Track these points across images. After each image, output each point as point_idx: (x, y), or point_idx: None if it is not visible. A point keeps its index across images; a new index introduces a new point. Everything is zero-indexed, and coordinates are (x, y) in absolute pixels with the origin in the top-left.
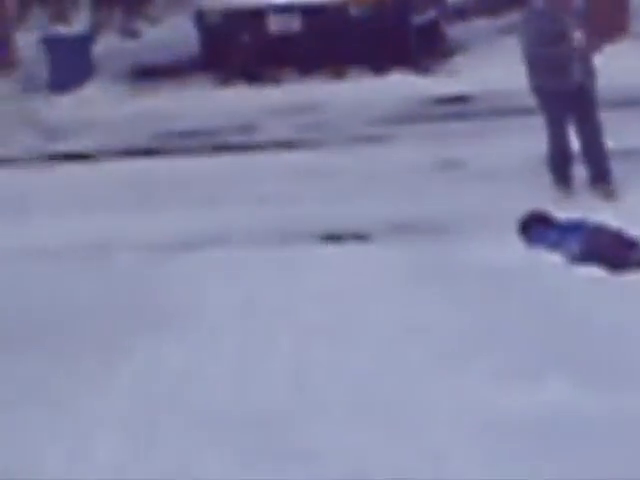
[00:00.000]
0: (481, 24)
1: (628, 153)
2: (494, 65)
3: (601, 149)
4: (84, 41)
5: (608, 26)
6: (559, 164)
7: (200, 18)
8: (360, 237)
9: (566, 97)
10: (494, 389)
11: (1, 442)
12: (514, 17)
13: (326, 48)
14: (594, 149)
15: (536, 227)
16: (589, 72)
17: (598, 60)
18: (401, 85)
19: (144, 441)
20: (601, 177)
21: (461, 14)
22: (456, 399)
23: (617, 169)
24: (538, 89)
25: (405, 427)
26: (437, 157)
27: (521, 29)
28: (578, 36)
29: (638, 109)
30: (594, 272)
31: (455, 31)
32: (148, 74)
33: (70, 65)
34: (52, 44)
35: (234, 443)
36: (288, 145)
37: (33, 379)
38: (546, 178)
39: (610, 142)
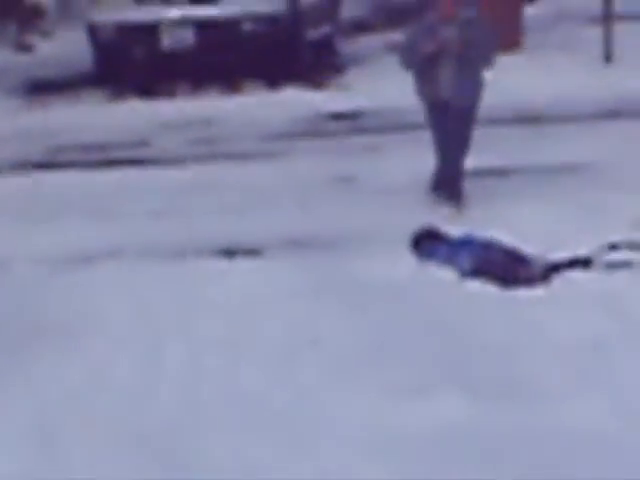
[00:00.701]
0: (374, 40)
1: (516, 170)
2: (386, 81)
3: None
4: None
5: (502, 40)
6: (448, 179)
7: (93, 32)
8: (253, 252)
9: (448, 109)
10: (388, 404)
11: None
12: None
13: (220, 63)
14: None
15: (427, 243)
16: (477, 84)
17: (490, 74)
18: (295, 100)
19: (41, 445)
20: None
21: (354, 30)
22: (350, 414)
23: (506, 185)
24: (428, 95)
25: (299, 443)
26: (330, 173)
27: (410, 40)
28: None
29: (526, 126)
30: (485, 287)
31: (348, 47)
32: (41, 88)
33: None
34: None
35: (126, 454)
36: (181, 160)
37: None
38: (436, 193)
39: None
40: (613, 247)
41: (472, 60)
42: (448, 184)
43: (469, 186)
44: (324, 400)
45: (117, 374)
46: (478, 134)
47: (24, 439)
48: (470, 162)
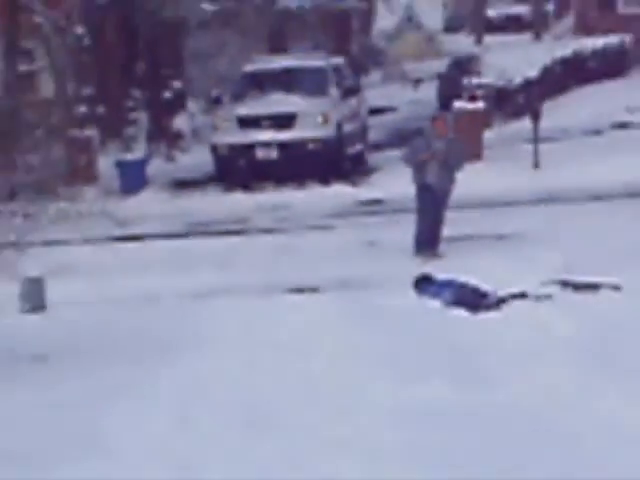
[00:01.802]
0: (389, 154)
1: (479, 237)
2: (396, 181)
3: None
4: (142, 163)
5: (468, 150)
6: (429, 240)
7: (214, 149)
8: (313, 289)
9: (430, 193)
10: (398, 386)
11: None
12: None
13: (293, 169)
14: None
15: (423, 284)
16: (451, 179)
17: (461, 174)
18: (339, 193)
19: (183, 418)
20: (430, 245)
21: (377, 147)
22: (376, 390)
23: (472, 246)
24: (419, 185)
25: (347, 406)
26: (361, 239)
27: (412, 146)
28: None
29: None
30: (460, 313)
31: (372, 158)
32: (181, 185)
33: (133, 178)
34: (122, 165)
35: (240, 429)
36: (269, 231)
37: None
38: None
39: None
40: (541, 285)
41: (450, 164)
42: (427, 246)
43: (450, 247)
44: (362, 382)
45: (231, 371)
46: (453, 214)
47: (167, 420)
48: (449, 231)
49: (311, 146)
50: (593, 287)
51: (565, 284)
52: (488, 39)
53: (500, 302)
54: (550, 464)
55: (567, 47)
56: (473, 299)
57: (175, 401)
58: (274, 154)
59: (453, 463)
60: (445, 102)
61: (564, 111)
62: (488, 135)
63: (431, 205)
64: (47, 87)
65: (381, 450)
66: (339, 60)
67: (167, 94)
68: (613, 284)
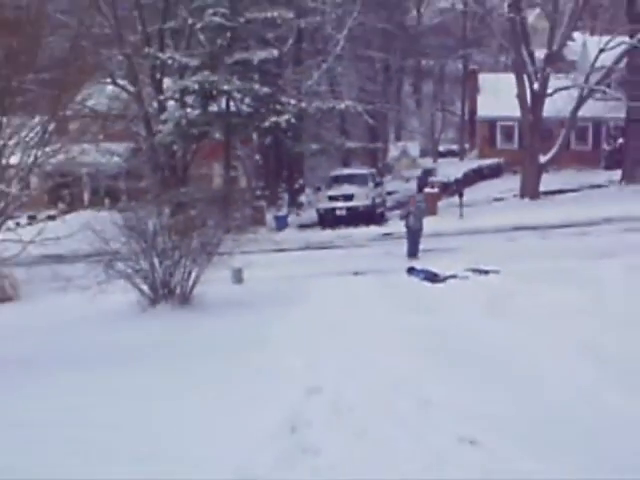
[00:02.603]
0: (395, 212)
1: (437, 249)
2: (398, 224)
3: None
4: (285, 217)
5: (430, 210)
6: (413, 251)
7: (317, 210)
8: (362, 273)
9: (412, 230)
10: (399, 316)
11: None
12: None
13: (352, 219)
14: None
15: (410, 270)
16: (421, 223)
17: (426, 221)
18: (372, 230)
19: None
20: (414, 254)
21: (389, 209)
22: (389, 318)
23: (435, 254)
24: (407, 226)
25: (375, 324)
26: (383, 250)
27: (404, 209)
28: (419, 212)
29: (438, 237)
30: (427, 284)
31: (388, 214)
32: (303, 227)
33: (282, 224)
34: (277, 218)
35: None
36: (341, 247)
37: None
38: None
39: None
40: (463, 271)
41: (420, 216)
42: (412, 254)
43: (423, 254)
44: (383, 312)
45: (325, 308)
46: (424, 239)
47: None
48: (423, 247)
49: (361, 208)
50: (485, 272)
51: (474, 271)
52: (440, 160)
53: (445, 279)
54: (462, 348)
55: (475, 163)
56: (433, 278)
57: (301, 319)
58: (344, 212)
59: (420, 346)
60: (420, 189)
61: (473, 193)
62: (440, 203)
63: (412, 236)
64: (242, 182)
65: (392, 342)
66: (373, 170)
67: (296, 185)
68: (496, 270)
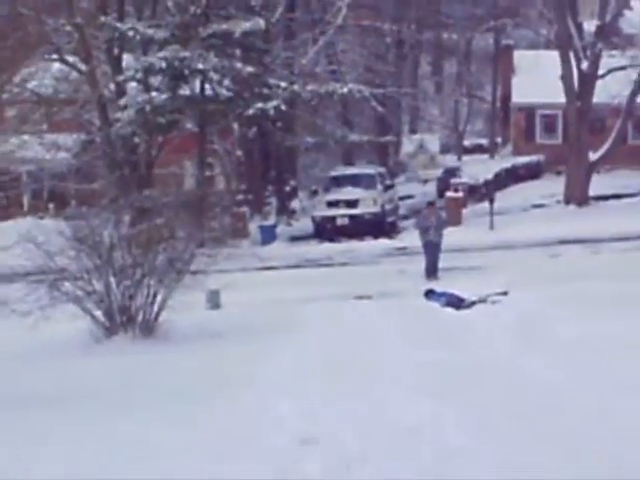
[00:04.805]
0: (409, 222)
1: (458, 268)
2: (413, 236)
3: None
4: (273, 227)
5: (453, 219)
6: (432, 270)
7: (313, 219)
8: (368, 297)
9: (430, 244)
10: (414, 351)
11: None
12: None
13: (357, 230)
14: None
15: (429, 294)
16: (441, 236)
17: (446, 232)
18: (382, 244)
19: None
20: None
21: (403, 218)
22: (401, 353)
23: (456, 274)
24: (423, 240)
25: (384, 359)
26: (395, 269)
27: (419, 218)
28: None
29: (462, 252)
30: (449, 310)
31: (401, 224)
32: (295, 239)
33: (269, 235)
34: (262, 228)
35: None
36: (344, 264)
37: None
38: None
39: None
40: (495, 294)
41: (440, 227)
42: (431, 274)
43: (444, 274)
44: (393, 347)
45: (323, 337)
46: (445, 255)
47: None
48: (443, 265)
49: (367, 217)
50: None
51: (504, 294)
52: (465, 157)
53: (471, 304)
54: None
55: (509, 162)
56: (457, 303)
57: (293, 353)
58: (346, 221)
59: (447, 392)
60: (441, 193)
61: (506, 198)
62: (465, 211)
63: (431, 251)
64: (220, 184)
65: (406, 382)
66: (382, 169)
67: (287, 188)
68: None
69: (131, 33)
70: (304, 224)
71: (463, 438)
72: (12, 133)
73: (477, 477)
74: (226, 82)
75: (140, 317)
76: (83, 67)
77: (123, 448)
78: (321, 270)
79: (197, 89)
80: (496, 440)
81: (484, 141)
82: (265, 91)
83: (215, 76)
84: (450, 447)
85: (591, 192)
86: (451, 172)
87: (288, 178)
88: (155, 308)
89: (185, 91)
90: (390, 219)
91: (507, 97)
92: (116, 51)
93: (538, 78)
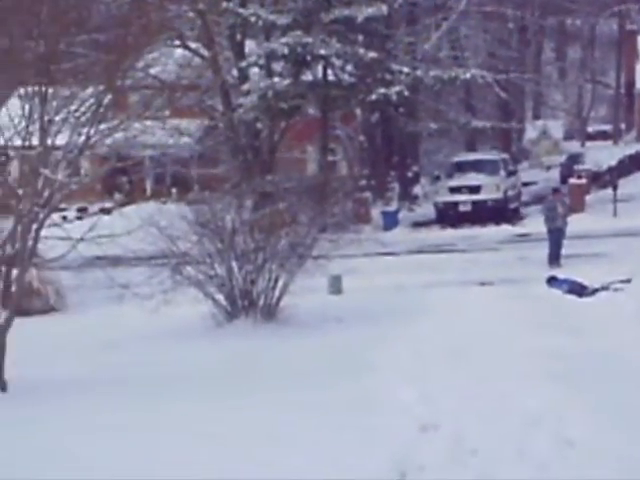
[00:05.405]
0: (533, 208)
1: (581, 255)
2: (537, 223)
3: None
4: (396, 213)
5: (576, 206)
6: (555, 257)
7: (436, 205)
8: (490, 283)
9: (556, 230)
10: (538, 339)
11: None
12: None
13: (479, 216)
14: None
15: (551, 280)
16: (565, 223)
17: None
18: (505, 229)
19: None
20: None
21: (526, 204)
22: (523, 340)
23: (578, 260)
24: (548, 226)
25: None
26: (517, 256)
27: (545, 204)
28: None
29: (586, 239)
30: (572, 297)
31: (524, 210)
32: (417, 225)
33: (391, 221)
34: (385, 213)
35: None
36: (465, 251)
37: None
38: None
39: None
40: (619, 282)
41: (566, 214)
42: (554, 261)
43: (566, 261)
44: (515, 333)
45: (444, 324)
46: (568, 242)
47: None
48: (566, 252)
49: (490, 203)
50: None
51: (628, 281)
52: (588, 144)
53: (594, 292)
54: (613, 379)
55: (633, 148)
56: (579, 290)
57: (413, 339)
58: (469, 207)
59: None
60: (564, 180)
61: (631, 185)
62: (588, 198)
63: (556, 238)
64: (343, 169)
65: (526, 369)
66: (505, 155)
67: (409, 174)
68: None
69: (253, 19)
70: (426, 210)
71: (583, 429)
72: (135, 119)
73: (594, 469)
74: (348, 68)
75: (262, 301)
76: (206, 53)
77: (248, 433)
78: (443, 256)
79: (319, 75)
80: (618, 430)
81: (608, 127)
82: (387, 77)
83: (337, 62)
84: (569, 437)
85: None
86: (574, 158)
87: (410, 164)
88: (277, 293)
89: (307, 77)
90: (513, 205)
91: (631, 83)
92: (238, 37)
93: None
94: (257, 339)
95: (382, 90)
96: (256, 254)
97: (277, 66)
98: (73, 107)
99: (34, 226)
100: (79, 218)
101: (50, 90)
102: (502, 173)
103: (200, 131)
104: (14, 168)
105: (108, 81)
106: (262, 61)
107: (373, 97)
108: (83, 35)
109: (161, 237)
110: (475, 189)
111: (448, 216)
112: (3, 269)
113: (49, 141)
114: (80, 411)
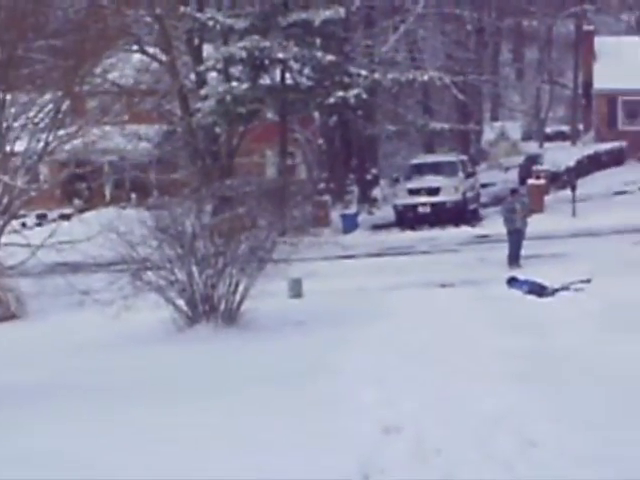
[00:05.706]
0: (491, 209)
1: (540, 256)
2: (496, 224)
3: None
4: (355, 215)
5: (535, 207)
6: (515, 258)
7: (395, 207)
8: (450, 284)
9: (515, 231)
10: (499, 339)
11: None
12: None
13: (436, 218)
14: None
15: (511, 281)
16: (525, 223)
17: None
18: (463, 231)
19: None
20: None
21: (484, 205)
22: (484, 340)
23: (538, 261)
24: (507, 227)
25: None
26: (476, 256)
27: (504, 205)
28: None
29: (544, 240)
30: (532, 298)
31: (483, 211)
32: (377, 227)
33: (350, 224)
34: (344, 216)
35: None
36: (425, 252)
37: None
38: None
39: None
40: (578, 282)
41: (525, 215)
42: (514, 261)
43: (526, 261)
44: (477, 333)
45: (405, 326)
46: (527, 243)
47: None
48: (525, 253)
49: (449, 205)
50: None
51: (587, 281)
52: (546, 145)
53: (554, 292)
54: (575, 377)
55: (591, 149)
56: (539, 290)
57: (375, 341)
58: (428, 209)
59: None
60: (522, 181)
61: (589, 185)
62: (547, 198)
63: (515, 239)
64: (302, 173)
65: (488, 369)
66: (464, 157)
67: (368, 176)
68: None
69: (211, 23)
70: (385, 212)
71: (544, 428)
72: (94, 124)
73: (556, 468)
74: (306, 71)
75: (222, 306)
76: (163, 58)
77: (206, 436)
78: (403, 258)
79: (277, 78)
80: (579, 429)
81: (566, 128)
82: (346, 80)
83: (295, 65)
84: (531, 438)
85: None
86: (533, 159)
87: (369, 166)
88: (237, 297)
89: (266, 80)
90: (472, 207)
91: (589, 84)
92: (196, 41)
93: (620, 64)
94: (218, 343)
95: (340, 93)
96: (216, 259)
97: (235, 70)
98: (31, 113)
99: None
100: (39, 225)
101: (8, 96)
102: (461, 175)
103: (159, 136)
104: None
105: (66, 87)
106: (220, 65)
107: (331, 100)
108: (41, 41)
109: (121, 243)
110: (434, 191)
111: (407, 218)
112: None
113: (7, 147)
114: (36, 418)
